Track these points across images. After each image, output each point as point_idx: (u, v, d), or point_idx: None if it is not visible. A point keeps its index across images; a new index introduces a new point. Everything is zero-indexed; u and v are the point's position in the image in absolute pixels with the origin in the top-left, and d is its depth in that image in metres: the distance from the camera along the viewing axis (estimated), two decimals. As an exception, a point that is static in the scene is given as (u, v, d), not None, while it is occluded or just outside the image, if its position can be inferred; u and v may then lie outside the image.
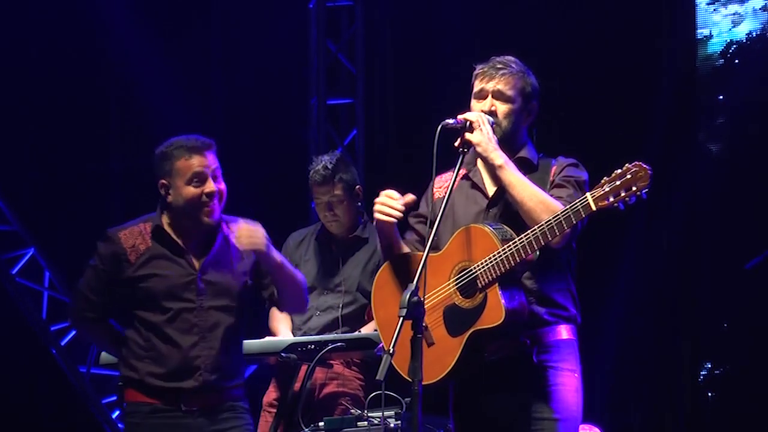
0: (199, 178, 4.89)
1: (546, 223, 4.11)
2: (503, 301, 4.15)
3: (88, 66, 8.78)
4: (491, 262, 4.17)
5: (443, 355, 4.24)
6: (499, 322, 4.15)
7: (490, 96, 4.43)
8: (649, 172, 4.00)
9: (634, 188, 4.00)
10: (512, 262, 4.14)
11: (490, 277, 4.17)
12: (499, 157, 4.29)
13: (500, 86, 4.42)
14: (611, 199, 4.02)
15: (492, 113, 4.39)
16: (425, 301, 4.09)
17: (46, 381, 8.69)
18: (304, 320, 6.11)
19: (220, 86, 8.77)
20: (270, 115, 8.68)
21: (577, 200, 4.09)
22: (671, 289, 7.80)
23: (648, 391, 7.82)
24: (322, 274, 6.19)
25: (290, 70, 8.75)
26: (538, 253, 4.17)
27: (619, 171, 4.04)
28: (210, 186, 4.89)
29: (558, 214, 4.10)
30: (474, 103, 4.47)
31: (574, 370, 4.34)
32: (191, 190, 4.88)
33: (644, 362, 7.77)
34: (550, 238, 4.12)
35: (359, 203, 6.22)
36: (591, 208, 4.05)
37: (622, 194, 4.01)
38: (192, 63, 8.82)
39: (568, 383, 4.30)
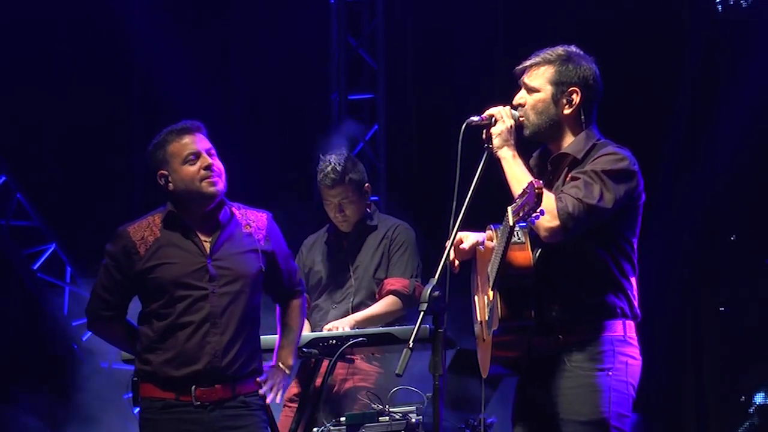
0: (195, 155, 4.91)
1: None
2: (500, 310, 4.11)
3: (110, 61, 8.80)
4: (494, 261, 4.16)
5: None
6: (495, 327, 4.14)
7: (522, 89, 4.38)
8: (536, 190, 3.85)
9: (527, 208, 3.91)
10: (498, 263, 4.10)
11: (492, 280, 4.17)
12: (506, 150, 4.24)
13: (526, 78, 4.37)
14: (520, 215, 3.95)
15: (520, 105, 4.34)
16: (484, 297, 4.14)
17: (68, 377, 8.71)
18: (323, 315, 6.13)
19: (241, 81, 8.78)
20: (291, 110, 8.69)
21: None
22: (692, 281, 7.79)
23: (670, 383, 7.83)
24: (335, 271, 6.21)
25: (311, 65, 8.76)
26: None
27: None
28: (206, 160, 4.90)
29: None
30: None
31: (608, 368, 4.19)
32: (189, 169, 4.90)
33: (665, 357, 7.76)
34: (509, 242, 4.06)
35: (368, 200, 6.22)
36: (510, 222, 4.00)
37: (521, 214, 3.93)
38: (213, 58, 8.84)
39: (599, 384, 4.18)
